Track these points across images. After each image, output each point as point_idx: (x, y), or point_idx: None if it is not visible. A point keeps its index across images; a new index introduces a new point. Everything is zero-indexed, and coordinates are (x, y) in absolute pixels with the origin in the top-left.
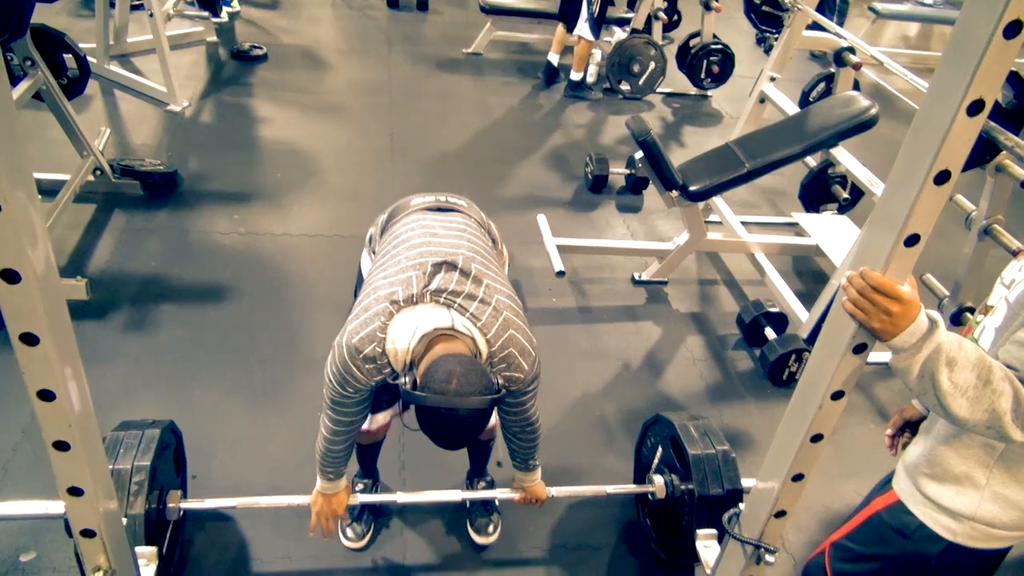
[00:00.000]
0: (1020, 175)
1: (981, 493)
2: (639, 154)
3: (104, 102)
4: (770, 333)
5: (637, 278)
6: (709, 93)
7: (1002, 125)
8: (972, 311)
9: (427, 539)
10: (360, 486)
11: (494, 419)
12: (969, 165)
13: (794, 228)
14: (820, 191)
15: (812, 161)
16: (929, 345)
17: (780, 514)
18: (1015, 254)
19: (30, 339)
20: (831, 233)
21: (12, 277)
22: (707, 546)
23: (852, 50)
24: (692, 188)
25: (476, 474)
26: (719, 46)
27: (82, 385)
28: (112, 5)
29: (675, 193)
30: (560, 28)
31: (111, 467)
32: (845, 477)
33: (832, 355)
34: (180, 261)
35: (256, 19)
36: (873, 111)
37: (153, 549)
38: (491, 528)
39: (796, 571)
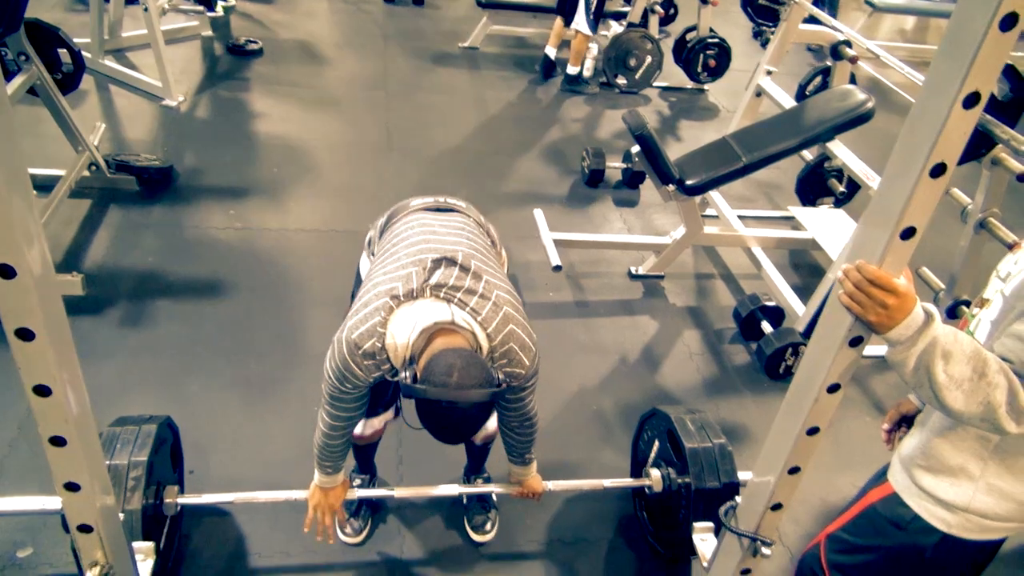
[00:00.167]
0: (1016, 168)
1: (976, 485)
2: (636, 148)
3: (99, 97)
4: (766, 327)
5: (634, 272)
6: (706, 87)
7: (998, 118)
8: (968, 304)
9: (424, 534)
10: (357, 481)
11: (493, 423)
12: (965, 158)
13: (790, 222)
14: (816, 185)
15: (808, 155)
16: (925, 338)
17: (776, 507)
18: (1011, 247)
19: (26, 334)
20: (827, 227)
21: (7, 272)
22: (704, 539)
23: (848, 43)
24: (689, 182)
25: (474, 471)
26: (715, 40)
27: (78, 380)
28: None
29: (672, 187)
30: (558, 22)
31: (108, 463)
32: (841, 470)
33: (828, 348)
34: (176, 256)
35: (251, 13)
36: (869, 105)
37: (150, 544)
38: (488, 526)
39: (792, 563)
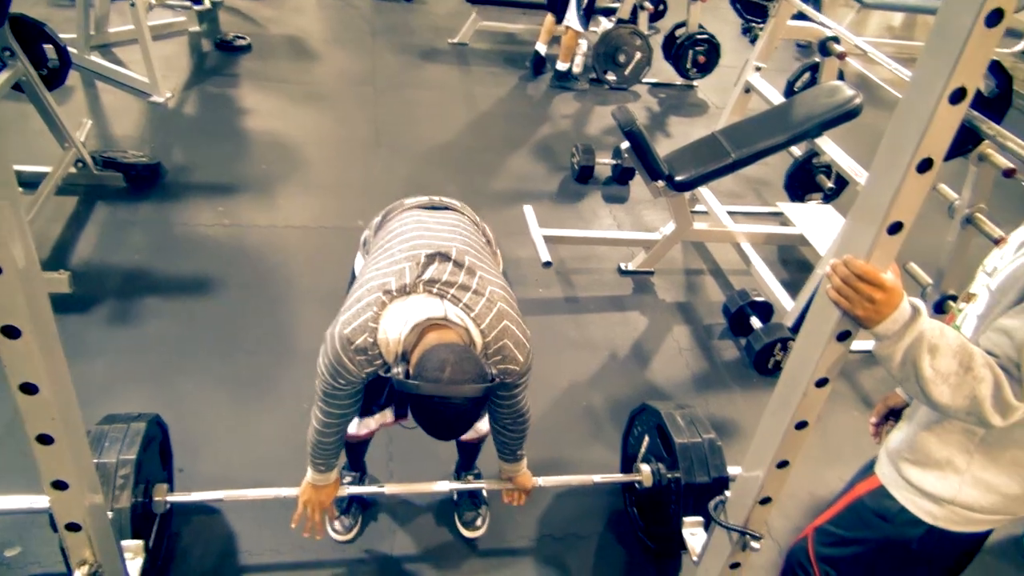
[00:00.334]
0: (1002, 164)
1: (962, 478)
2: (625, 144)
3: (85, 93)
4: (755, 322)
5: (624, 268)
6: (695, 83)
7: (984, 114)
8: (955, 299)
9: (415, 531)
10: (348, 478)
11: (485, 424)
12: (952, 154)
13: (779, 218)
14: (805, 181)
15: (797, 151)
16: (911, 332)
17: (765, 501)
18: (997, 242)
19: (11, 332)
20: (816, 222)
21: None
22: (693, 533)
23: (837, 40)
24: (678, 178)
25: (464, 468)
26: (705, 36)
27: (65, 378)
28: None
29: (661, 183)
30: (549, 18)
31: (96, 461)
32: (829, 464)
33: (816, 343)
34: (164, 254)
35: (240, 8)
36: (857, 101)
37: (139, 542)
38: (479, 522)
39: (781, 557)
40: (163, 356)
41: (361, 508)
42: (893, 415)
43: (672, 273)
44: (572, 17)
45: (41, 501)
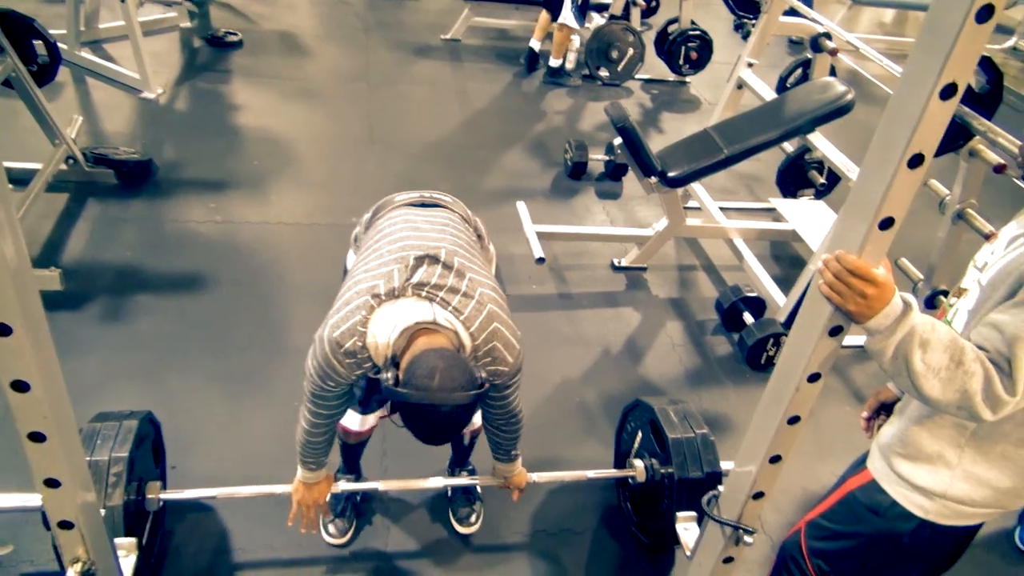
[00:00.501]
0: (993, 160)
1: (953, 472)
2: (618, 140)
3: (76, 89)
4: (748, 318)
5: (617, 264)
6: (687, 79)
7: (975, 110)
8: (946, 294)
9: (410, 527)
10: (343, 481)
11: (477, 418)
12: (943, 150)
13: (772, 213)
14: (797, 176)
15: (789, 147)
16: (903, 327)
17: (758, 495)
18: (988, 237)
19: (3, 329)
20: (808, 218)
21: None
22: (687, 528)
23: (828, 36)
24: (671, 174)
25: (458, 464)
26: (697, 32)
27: (56, 375)
28: None
29: (654, 179)
30: (543, 15)
31: (89, 459)
32: (821, 458)
33: (809, 338)
34: (156, 250)
35: (231, 4)
36: (849, 97)
37: (132, 540)
38: (473, 518)
39: (773, 551)
40: (155, 353)
41: (356, 513)
42: (884, 410)
43: (665, 269)
44: (568, 14)
45: (33, 499)
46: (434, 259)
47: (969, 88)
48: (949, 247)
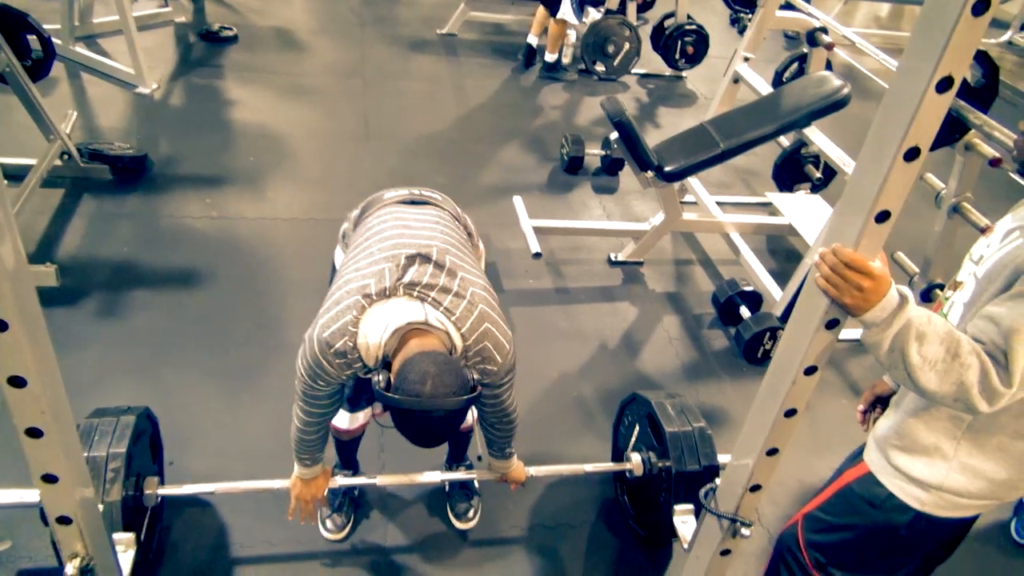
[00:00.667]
0: (988, 153)
1: (949, 464)
2: (614, 135)
3: (70, 84)
4: (745, 312)
5: (613, 259)
6: (684, 74)
7: (971, 104)
8: (942, 287)
9: (408, 522)
10: (340, 476)
11: (471, 414)
12: (939, 144)
13: (768, 208)
14: (793, 171)
15: (785, 141)
16: (899, 320)
17: (755, 488)
18: (983, 231)
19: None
20: (804, 212)
21: None
22: (684, 521)
23: (824, 30)
24: (667, 168)
25: (455, 459)
26: (693, 27)
27: (54, 371)
28: None
29: (650, 174)
30: (541, 10)
31: (86, 454)
32: (818, 451)
33: (805, 331)
34: (152, 246)
35: None
36: (845, 91)
37: (131, 535)
38: (471, 513)
39: (771, 543)
40: (152, 349)
41: (353, 507)
42: (881, 403)
43: (662, 263)
44: (567, 10)
45: (31, 495)
46: (426, 258)
47: (965, 82)
48: (945, 241)
